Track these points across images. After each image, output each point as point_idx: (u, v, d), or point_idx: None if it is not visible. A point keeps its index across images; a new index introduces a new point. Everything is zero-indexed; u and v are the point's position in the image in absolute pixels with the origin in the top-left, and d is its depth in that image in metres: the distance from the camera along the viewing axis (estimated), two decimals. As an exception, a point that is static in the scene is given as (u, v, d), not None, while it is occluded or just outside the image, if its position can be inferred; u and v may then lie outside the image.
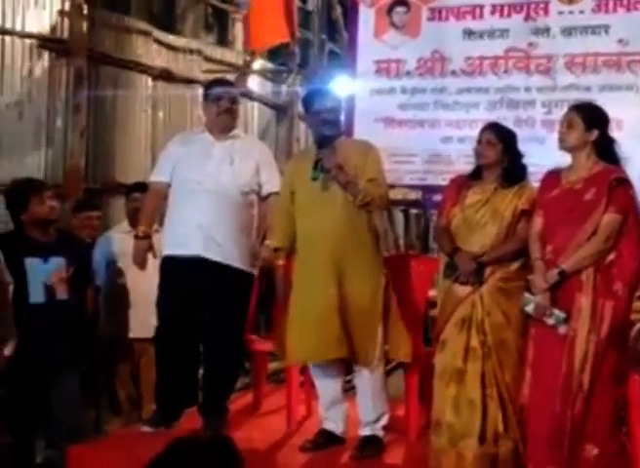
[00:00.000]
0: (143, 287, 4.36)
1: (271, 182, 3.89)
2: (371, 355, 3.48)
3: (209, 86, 4.06)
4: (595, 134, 3.27)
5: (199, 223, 3.74)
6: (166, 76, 7.53)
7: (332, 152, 3.44)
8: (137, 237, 3.96)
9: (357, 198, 3.42)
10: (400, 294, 3.67)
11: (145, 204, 4.07)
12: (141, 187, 4.78)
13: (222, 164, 3.82)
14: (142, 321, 4.42)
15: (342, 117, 3.96)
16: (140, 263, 3.95)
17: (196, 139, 3.97)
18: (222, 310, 3.77)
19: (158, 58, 7.47)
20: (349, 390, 3.77)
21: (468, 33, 4.70)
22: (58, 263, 3.92)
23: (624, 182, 3.24)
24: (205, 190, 3.77)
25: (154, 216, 4.07)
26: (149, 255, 3.99)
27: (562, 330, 3.18)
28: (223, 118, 3.88)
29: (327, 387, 3.64)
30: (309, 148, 3.69)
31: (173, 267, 3.83)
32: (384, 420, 3.59)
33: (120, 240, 4.65)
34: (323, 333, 3.42)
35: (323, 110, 3.55)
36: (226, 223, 3.77)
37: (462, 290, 3.37)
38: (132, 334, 4.62)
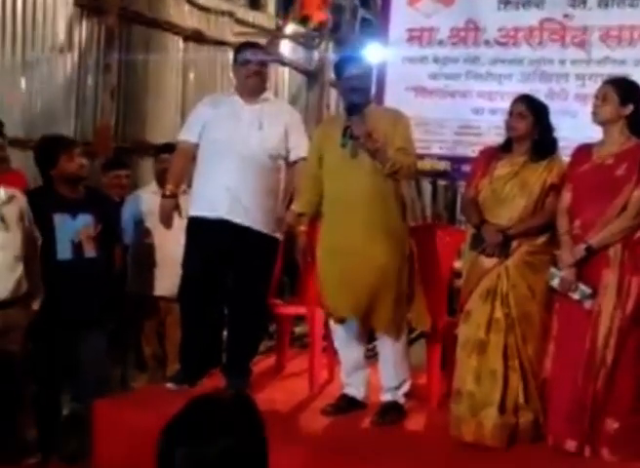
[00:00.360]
0: (170, 246, 4.40)
1: (300, 147, 3.89)
2: (393, 323, 3.50)
3: (239, 49, 4.06)
4: (630, 108, 3.24)
5: (226, 186, 3.76)
6: (197, 37, 7.49)
7: (361, 120, 3.42)
8: (164, 196, 3.99)
9: (385, 166, 3.41)
10: (425, 265, 3.68)
11: (173, 163, 4.09)
12: (170, 148, 4.78)
13: (251, 127, 3.82)
14: (169, 280, 4.46)
15: (373, 85, 3.94)
16: (167, 222, 3.99)
17: (226, 102, 3.97)
18: (247, 273, 3.81)
19: (190, 19, 7.43)
20: (372, 357, 3.81)
21: (504, 3, 4.63)
22: (86, 220, 3.94)
23: (656, 159, 3.22)
24: (233, 153, 3.78)
25: (182, 176, 4.08)
26: (176, 215, 4.02)
27: (587, 305, 3.19)
28: (252, 81, 3.88)
29: (349, 353, 3.68)
30: (339, 115, 3.69)
31: (199, 228, 3.86)
32: (406, 387, 3.63)
33: (148, 199, 4.68)
34: (351, 295, 3.46)
35: (353, 77, 3.53)
36: (253, 187, 3.79)
37: (488, 261, 3.37)
38: (158, 293, 4.67)
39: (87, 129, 6.38)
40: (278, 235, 3.92)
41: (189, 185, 4.14)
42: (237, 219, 3.77)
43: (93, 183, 4.85)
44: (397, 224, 3.56)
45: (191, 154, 3.98)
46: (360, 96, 3.53)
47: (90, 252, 3.96)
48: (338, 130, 3.51)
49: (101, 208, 4.07)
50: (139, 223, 4.72)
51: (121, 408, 3.70)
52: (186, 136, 4.00)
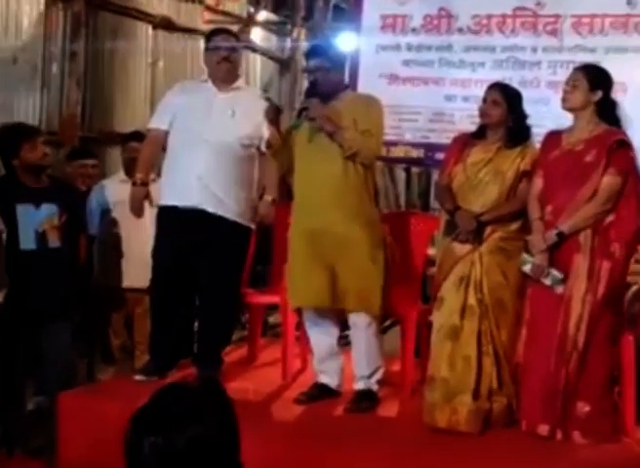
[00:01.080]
0: (138, 236, 4.34)
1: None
2: (363, 303, 3.47)
3: (210, 35, 4.02)
4: (599, 95, 3.26)
5: (198, 174, 3.72)
6: (167, 25, 7.40)
7: (318, 102, 3.42)
8: (134, 184, 3.93)
9: (343, 148, 3.40)
10: (399, 252, 3.67)
11: (143, 151, 4.03)
12: (138, 136, 4.72)
13: (223, 115, 3.78)
14: (137, 271, 4.39)
15: (346, 72, 3.92)
16: (137, 211, 3.93)
17: (198, 89, 3.93)
18: (220, 263, 3.77)
19: (159, 7, 7.33)
20: (345, 345, 3.79)
21: (476, -9, 4.63)
22: (50, 210, 3.88)
23: (625, 145, 3.25)
24: (205, 141, 3.74)
25: (152, 164, 4.03)
26: (146, 204, 3.97)
27: (559, 290, 3.20)
28: (222, 67, 3.84)
29: (321, 341, 3.66)
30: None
31: (170, 218, 3.81)
32: (379, 375, 3.61)
33: (116, 189, 4.61)
34: (316, 282, 3.44)
35: (309, 70, 3.56)
36: (225, 176, 3.75)
37: (462, 248, 3.37)
38: (126, 284, 4.60)
39: (53, 118, 6.27)
40: (251, 225, 3.88)
41: (158, 174, 4.09)
42: (209, 209, 3.73)
43: (59, 173, 4.78)
44: (368, 209, 3.53)
45: (161, 142, 3.92)
46: (318, 87, 3.51)
47: (54, 242, 3.90)
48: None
49: (66, 197, 4.01)
50: (105, 213, 4.64)
51: (87, 400, 3.63)
52: (157, 123, 3.94)
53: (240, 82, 3.98)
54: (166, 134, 3.87)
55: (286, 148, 3.58)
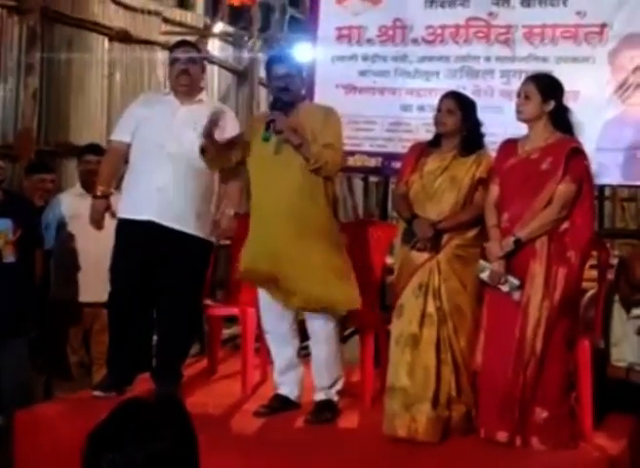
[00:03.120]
0: (95, 250, 4.29)
1: None
2: (317, 302, 3.45)
3: (172, 48, 4.03)
4: (552, 104, 3.31)
5: (159, 187, 3.68)
6: (123, 37, 7.35)
7: (284, 114, 3.42)
8: (95, 196, 3.88)
9: (309, 162, 3.40)
10: (357, 260, 3.67)
11: (104, 163, 3.99)
12: (95, 149, 4.68)
13: (186, 128, 3.74)
14: (95, 285, 4.34)
15: (303, 83, 3.92)
16: (97, 223, 3.88)
17: (161, 101, 3.91)
18: (178, 277, 3.73)
19: (116, 19, 7.29)
20: (305, 356, 3.78)
21: (430, 2, 4.69)
22: (4, 225, 3.83)
23: (580, 153, 3.29)
24: (167, 154, 3.71)
25: (113, 176, 3.98)
26: (107, 216, 3.93)
27: (516, 296, 3.23)
28: (181, 80, 3.83)
29: (281, 352, 3.65)
30: (267, 112, 3.65)
31: (128, 231, 3.77)
32: (339, 385, 3.60)
33: (72, 202, 4.56)
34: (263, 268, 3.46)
35: (280, 77, 3.53)
36: (186, 189, 3.72)
37: (420, 256, 3.38)
38: (84, 299, 4.54)
39: (8, 131, 6.19)
40: (211, 239, 3.85)
41: (118, 187, 4.04)
42: (168, 223, 3.69)
43: (14, 187, 4.71)
44: (327, 221, 3.52)
45: (123, 154, 3.88)
46: (286, 94, 3.51)
47: (8, 257, 3.84)
48: (263, 126, 3.47)
49: (21, 212, 3.95)
50: (61, 227, 4.58)
51: (44, 417, 3.56)
52: (119, 135, 3.91)
53: (202, 95, 3.97)
54: (128, 146, 3.84)
55: (235, 157, 3.57)
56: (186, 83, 3.84)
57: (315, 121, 3.50)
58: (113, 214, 3.92)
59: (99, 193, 3.85)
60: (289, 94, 3.52)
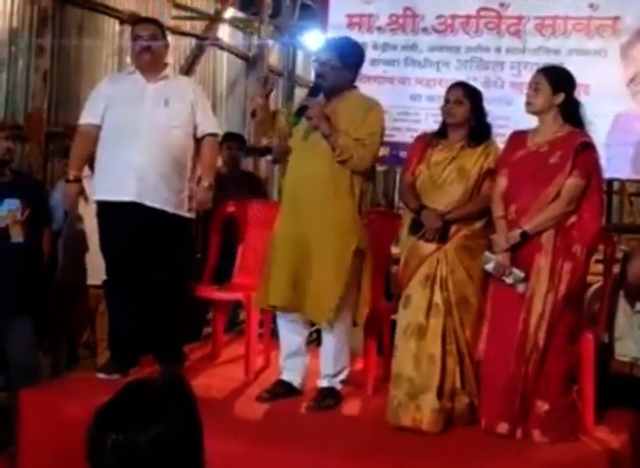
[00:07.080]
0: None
1: (207, 123, 3.81)
2: (324, 312, 3.43)
3: (133, 24, 4.00)
4: (562, 97, 3.28)
5: (134, 167, 3.63)
6: (134, 21, 7.33)
7: (319, 102, 3.42)
8: (67, 181, 3.84)
9: (335, 152, 3.39)
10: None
11: (75, 147, 3.89)
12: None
13: (156, 105, 3.71)
14: (99, 267, 4.36)
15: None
16: (72, 208, 3.88)
17: (127, 80, 3.85)
18: (159, 256, 3.70)
19: (127, 2, 7.29)
20: (312, 343, 3.78)
21: (441, -10, 4.68)
22: (13, 205, 3.84)
23: (589, 147, 3.27)
24: (139, 132, 3.66)
25: (84, 160, 3.92)
26: (81, 200, 3.91)
27: (520, 289, 3.23)
28: (143, 56, 3.76)
29: (290, 338, 3.63)
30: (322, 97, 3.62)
31: (108, 213, 3.74)
32: (344, 375, 3.60)
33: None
34: (282, 285, 3.45)
35: (320, 62, 3.53)
36: (163, 166, 3.68)
37: (427, 247, 3.37)
38: (90, 281, 4.56)
39: (18, 112, 6.21)
40: (191, 214, 3.83)
41: (91, 169, 4.01)
42: (147, 202, 3.66)
43: (24, 168, 4.73)
44: (347, 217, 3.47)
45: (94, 137, 3.79)
46: (323, 80, 3.50)
47: (17, 237, 3.86)
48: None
49: (30, 192, 3.96)
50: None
51: (48, 397, 3.58)
52: (87, 118, 3.83)
53: (168, 70, 3.89)
54: (98, 128, 3.77)
55: (276, 130, 3.61)
56: (149, 60, 3.77)
57: (356, 113, 3.47)
58: (87, 199, 3.91)
59: (71, 177, 3.80)
60: (325, 81, 3.50)
